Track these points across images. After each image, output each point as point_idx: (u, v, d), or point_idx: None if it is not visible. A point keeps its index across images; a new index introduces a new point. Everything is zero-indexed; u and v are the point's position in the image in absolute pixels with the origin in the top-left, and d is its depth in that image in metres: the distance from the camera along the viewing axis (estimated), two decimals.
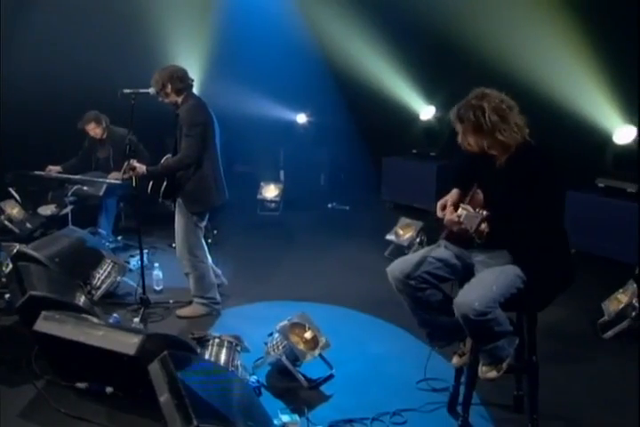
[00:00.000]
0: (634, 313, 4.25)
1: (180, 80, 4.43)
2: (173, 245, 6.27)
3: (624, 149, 5.72)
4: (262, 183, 7.91)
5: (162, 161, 4.53)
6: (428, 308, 3.13)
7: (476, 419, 3.31)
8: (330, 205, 8.15)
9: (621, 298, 4.39)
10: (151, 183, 4.54)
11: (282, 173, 8.78)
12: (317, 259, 6.15)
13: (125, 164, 4.28)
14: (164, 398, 2.86)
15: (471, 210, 2.76)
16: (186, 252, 4.58)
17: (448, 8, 6.67)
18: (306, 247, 6.50)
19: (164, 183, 4.46)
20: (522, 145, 2.94)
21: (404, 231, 6.01)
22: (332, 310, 4.85)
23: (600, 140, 5.80)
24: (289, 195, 8.00)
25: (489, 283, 2.85)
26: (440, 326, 3.20)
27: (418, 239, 5.91)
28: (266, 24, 7.78)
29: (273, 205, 7.85)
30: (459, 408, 3.42)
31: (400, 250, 6.01)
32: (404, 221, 6.10)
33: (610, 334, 4.32)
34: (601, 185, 5.77)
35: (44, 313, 3.69)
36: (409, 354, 4.15)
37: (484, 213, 2.67)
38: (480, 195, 3.04)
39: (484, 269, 2.98)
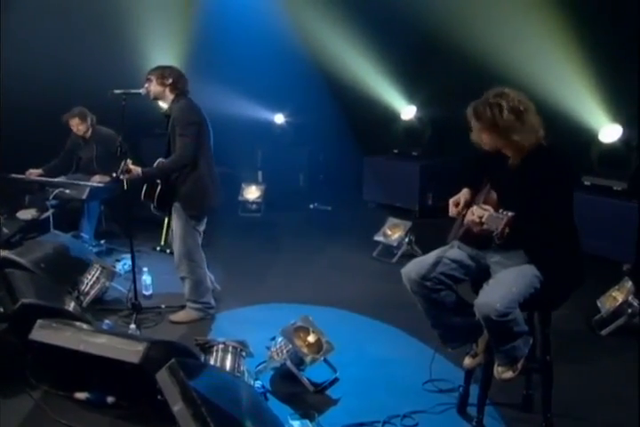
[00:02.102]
0: (630, 310, 4.29)
1: (184, 85, 4.41)
2: (158, 248, 6.26)
3: (610, 147, 5.80)
4: (243, 184, 7.84)
5: (155, 163, 4.42)
6: (442, 309, 3.11)
7: (487, 419, 3.27)
8: (312, 206, 8.10)
9: (616, 295, 4.44)
10: (145, 188, 4.43)
11: (260, 174, 8.70)
12: (305, 260, 6.10)
13: (122, 164, 4.16)
14: (177, 407, 2.76)
15: (492, 211, 2.74)
16: (184, 256, 4.48)
17: (431, 7, 6.66)
18: (292, 249, 6.45)
19: (159, 187, 4.36)
20: (536, 146, 2.93)
21: (393, 231, 6.00)
22: (327, 312, 4.78)
23: (586, 138, 5.86)
24: (268, 196, 7.92)
25: (508, 284, 2.85)
26: (453, 327, 3.19)
27: (407, 239, 5.90)
28: (244, 23, 7.73)
29: (254, 206, 7.78)
30: (468, 409, 3.42)
31: (389, 250, 6.02)
32: (391, 221, 6.10)
33: (607, 331, 4.36)
34: (587, 183, 5.83)
35: (39, 321, 3.58)
36: (410, 355, 4.13)
37: (510, 214, 2.65)
38: (494, 195, 3.02)
39: (501, 269, 2.97)
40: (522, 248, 2.93)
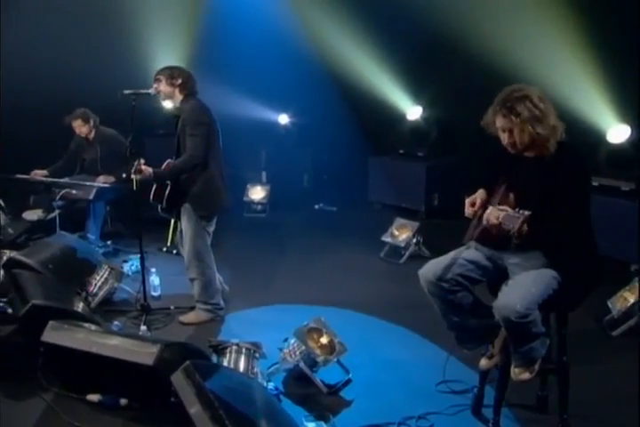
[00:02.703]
0: None
1: (193, 85, 4.40)
2: (164, 249, 6.24)
3: (618, 147, 5.78)
4: (248, 185, 7.83)
5: (165, 164, 4.40)
6: (458, 311, 3.10)
7: (502, 420, 3.24)
8: (317, 206, 8.10)
9: (627, 296, 4.43)
10: (154, 188, 4.40)
11: (264, 175, 8.66)
12: (312, 261, 6.08)
13: (135, 164, 4.14)
14: (194, 409, 2.73)
15: (510, 210, 2.73)
16: (194, 258, 4.46)
17: (437, 7, 6.65)
18: (299, 249, 6.43)
19: (168, 188, 4.34)
20: (557, 145, 2.93)
21: (400, 232, 5.99)
22: (335, 313, 4.74)
23: (594, 139, 5.84)
24: (273, 196, 7.92)
25: (527, 285, 2.84)
26: (469, 328, 3.18)
27: (414, 240, 5.89)
28: (248, 22, 7.71)
29: (259, 206, 7.77)
30: (483, 410, 3.40)
31: (396, 251, 6.01)
32: (399, 221, 6.08)
33: (618, 331, 4.34)
34: (595, 184, 5.80)
35: (51, 323, 3.55)
36: (421, 356, 4.13)
37: (526, 213, 2.64)
38: (511, 196, 3.00)
39: (520, 271, 2.95)
40: (540, 249, 2.91)
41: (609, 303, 4.52)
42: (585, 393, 3.56)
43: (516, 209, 2.70)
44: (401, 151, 7.82)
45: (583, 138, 5.77)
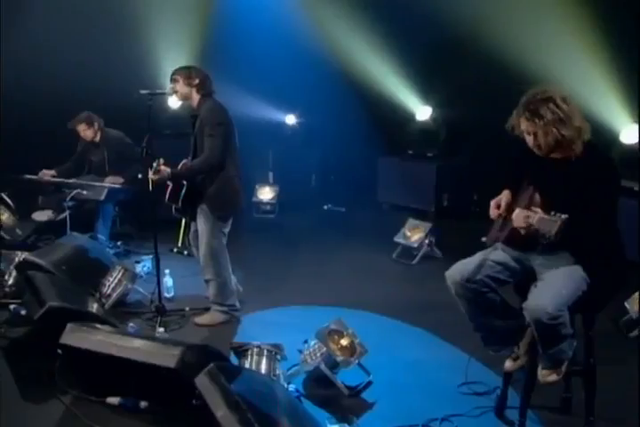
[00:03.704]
0: None
1: (210, 85, 4.39)
2: (175, 249, 6.21)
3: (631, 148, 5.77)
4: (257, 186, 7.83)
5: (180, 165, 4.37)
6: (485, 312, 3.09)
7: (527, 422, 3.23)
8: (325, 207, 8.09)
9: None
10: (169, 189, 4.38)
11: (271, 175, 8.65)
12: (324, 262, 6.07)
13: (155, 164, 4.11)
14: (221, 412, 2.70)
15: (540, 212, 2.70)
16: (210, 258, 4.42)
17: (447, 7, 6.63)
18: (310, 250, 6.43)
19: (184, 189, 4.31)
20: (583, 145, 2.91)
21: (412, 233, 5.98)
22: (351, 314, 4.66)
23: (607, 139, 5.82)
24: (281, 197, 7.90)
25: (558, 287, 2.82)
26: (495, 330, 3.16)
27: (427, 240, 5.88)
28: (256, 22, 7.67)
29: (268, 207, 7.77)
30: (507, 412, 3.38)
31: (409, 252, 5.99)
32: (411, 222, 6.07)
33: (635, 332, 4.32)
34: None
35: (70, 325, 3.51)
36: (441, 357, 4.10)
37: (563, 216, 2.61)
38: (537, 197, 2.98)
39: (548, 272, 2.93)
40: (570, 250, 2.90)
41: (626, 304, 4.50)
42: (606, 395, 3.52)
43: (552, 213, 2.67)
44: (410, 152, 7.83)
45: (596, 138, 5.76)
